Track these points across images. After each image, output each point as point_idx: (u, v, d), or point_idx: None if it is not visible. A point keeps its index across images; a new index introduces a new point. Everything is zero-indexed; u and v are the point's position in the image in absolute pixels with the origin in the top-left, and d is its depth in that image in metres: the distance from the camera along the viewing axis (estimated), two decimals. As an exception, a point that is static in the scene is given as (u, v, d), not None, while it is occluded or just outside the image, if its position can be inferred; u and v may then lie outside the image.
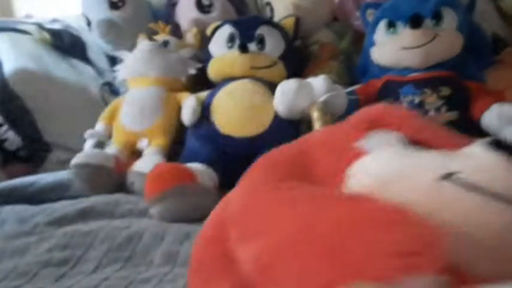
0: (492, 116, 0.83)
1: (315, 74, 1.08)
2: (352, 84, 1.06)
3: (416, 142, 0.34)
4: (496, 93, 0.90)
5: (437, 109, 0.87)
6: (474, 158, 0.29)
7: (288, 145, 0.41)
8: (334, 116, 0.94)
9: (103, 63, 1.35)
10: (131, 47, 1.18)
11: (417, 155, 0.32)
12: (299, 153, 0.39)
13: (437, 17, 0.91)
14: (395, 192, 0.30)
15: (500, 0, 1.15)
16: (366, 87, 0.97)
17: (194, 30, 1.23)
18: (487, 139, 0.30)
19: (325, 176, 0.35)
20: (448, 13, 0.91)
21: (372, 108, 0.38)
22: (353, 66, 1.13)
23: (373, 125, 0.37)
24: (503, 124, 0.81)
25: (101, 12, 1.28)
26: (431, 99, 0.87)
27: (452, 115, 0.87)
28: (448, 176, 0.28)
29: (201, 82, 1.12)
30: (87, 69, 1.33)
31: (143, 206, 0.80)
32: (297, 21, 1.13)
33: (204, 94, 1.05)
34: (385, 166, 0.32)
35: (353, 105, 0.94)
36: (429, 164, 0.30)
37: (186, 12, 1.31)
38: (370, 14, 1.04)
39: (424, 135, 0.35)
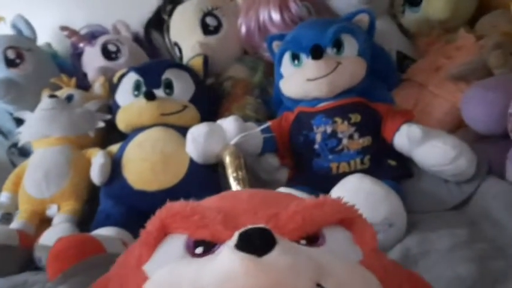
0: (402, 138, 0.83)
1: (231, 112, 1.06)
2: (271, 117, 1.04)
3: (201, 239, 0.34)
4: (404, 112, 0.90)
5: (350, 136, 0.86)
6: (219, 265, 0.29)
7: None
8: (251, 156, 0.91)
9: (9, 124, 1.25)
10: (36, 104, 1.10)
11: (181, 270, 0.31)
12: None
13: (337, 45, 0.90)
14: None
15: (400, 17, 1.17)
16: (280, 122, 0.95)
17: (101, 79, 1.17)
18: (235, 239, 0.30)
19: None
20: (347, 40, 0.91)
21: (156, 216, 0.36)
22: (269, 99, 1.11)
23: (162, 233, 0.36)
24: (412, 145, 0.81)
25: (-2, 71, 1.19)
26: (343, 127, 0.86)
27: (366, 141, 0.86)
28: None
29: (113, 134, 1.06)
30: (-10, 133, 1.23)
31: (51, 284, 0.72)
32: (206, 60, 1.10)
33: (115, 148, 0.99)
34: None
35: (269, 143, 0.92)
36: (186, 281, 0.30)
37: (92, 60, 1.26)
38: (277, 46, 1.03)
39: (208, 229, 0.34)
